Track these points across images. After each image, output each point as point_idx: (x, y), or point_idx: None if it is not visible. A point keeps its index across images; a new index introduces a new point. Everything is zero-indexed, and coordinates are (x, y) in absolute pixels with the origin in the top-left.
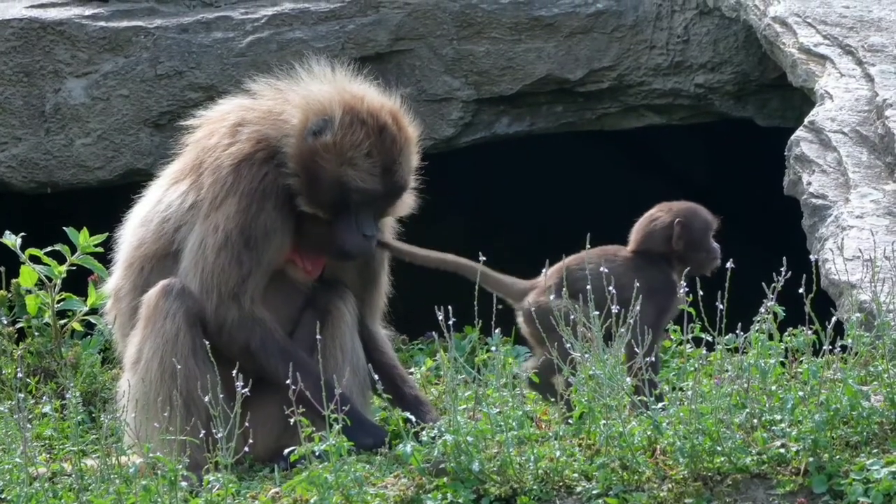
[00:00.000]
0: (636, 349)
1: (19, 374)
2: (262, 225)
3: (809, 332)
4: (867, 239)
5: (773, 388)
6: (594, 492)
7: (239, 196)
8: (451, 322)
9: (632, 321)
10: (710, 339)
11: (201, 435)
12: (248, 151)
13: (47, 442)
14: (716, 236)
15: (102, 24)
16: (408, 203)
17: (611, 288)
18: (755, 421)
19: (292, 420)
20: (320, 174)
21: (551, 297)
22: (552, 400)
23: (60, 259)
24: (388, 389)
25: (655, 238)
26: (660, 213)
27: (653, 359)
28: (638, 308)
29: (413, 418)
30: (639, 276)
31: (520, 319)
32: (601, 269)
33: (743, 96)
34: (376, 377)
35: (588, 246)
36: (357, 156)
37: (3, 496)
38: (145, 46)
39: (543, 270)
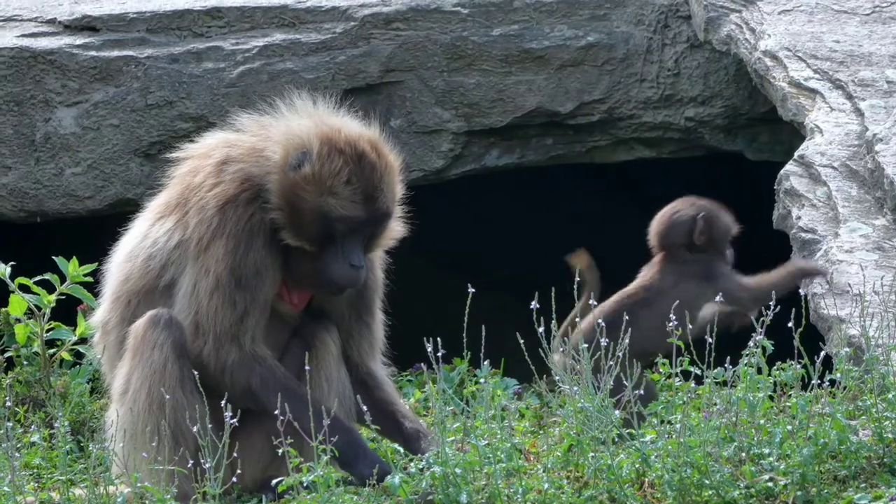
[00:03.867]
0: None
1: (8, 403)
2: (251, 264)
3: (798, 366)
4: (856, 273)
5: (762, 421)
6: None
7: (226, 237)
8: (439, 354)
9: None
10: (698, 372)
11: (189, 465)
12: (233, 193)
13: (35, 471)
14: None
15: (93, 53)
16: (395, 232)
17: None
18: (743, 454)
19: (280, 451)
20: (303, 206)
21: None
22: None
23: (50, 288)
24: (388, 426)
25: (677, 230)
26: (682, 206)
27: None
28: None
29: (402, 449)
30: (681, 285)
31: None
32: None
33: (733, 130)
34: (364, 408)
35: (577, 278)
36: (337, 184)
37: None
38: (136, 76)
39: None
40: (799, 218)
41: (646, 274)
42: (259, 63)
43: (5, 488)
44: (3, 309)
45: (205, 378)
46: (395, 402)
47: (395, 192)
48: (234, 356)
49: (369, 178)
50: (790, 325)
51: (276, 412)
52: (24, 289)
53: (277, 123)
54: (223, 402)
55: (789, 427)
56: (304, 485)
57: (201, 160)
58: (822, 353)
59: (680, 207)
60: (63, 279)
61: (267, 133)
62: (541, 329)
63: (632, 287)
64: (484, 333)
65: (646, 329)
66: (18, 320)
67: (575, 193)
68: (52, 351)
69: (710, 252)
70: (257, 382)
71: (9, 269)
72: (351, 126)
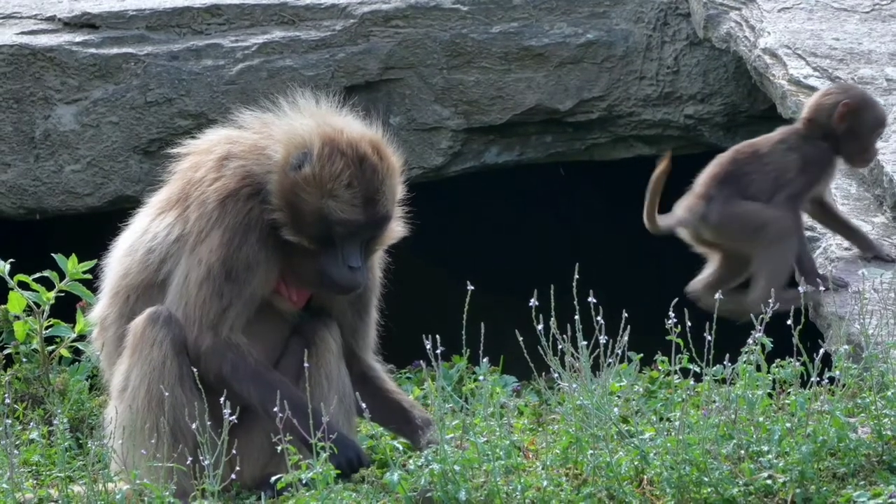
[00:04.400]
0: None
1: (7, 400)
2: (244, 258)
3: (797, 363)
4: (856, 271)
5: (761, 419)
6: None
7: (223, 230)
8: (438, 351)
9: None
10: (697, 369)
11: (188, 462)
12: (234, 187)
13: (34, 468)
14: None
15: (93, 50)
16: (395, 232)
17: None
18: (742, 452)
19: (279, 448)
20: (303, 207)
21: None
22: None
23: (49, 285)
24: (397, 416)
25: (821, 111)
26: (836, 90)
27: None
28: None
29: (401, 447)
30: (797, 153)
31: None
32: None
33: (732, 127)
34: (363, 405)
35: (576, 276)
36: (337, 187)
37: None
38: (135, 73)
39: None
40: None
41: (781, 131)
42: (258, 60)
43: (4, 485)
44: (3, 306)
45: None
46: (401, 392)
47: (395, 194)
48: (209, 343)
49: (370, 182)
50: (789, 322)
51: (244, 397)
52: (24, 286)
53: (279, 121)
54: (222, 400)
55: (788, 424)
56: (303, 482)
57: (202, 156)
58: (822, 351)
59: (834, 90)
60: (62, 276)
61: (269, 131)
62: (540, 327)
63: (759, 139)
64: (483, 331)
65: (753, 187)
66: (17, 317)
67: (574, 191)
68: (51, 348)
69: (849, 144)
70: (228, 369)
71: (8, 266)
72: (353, 126)
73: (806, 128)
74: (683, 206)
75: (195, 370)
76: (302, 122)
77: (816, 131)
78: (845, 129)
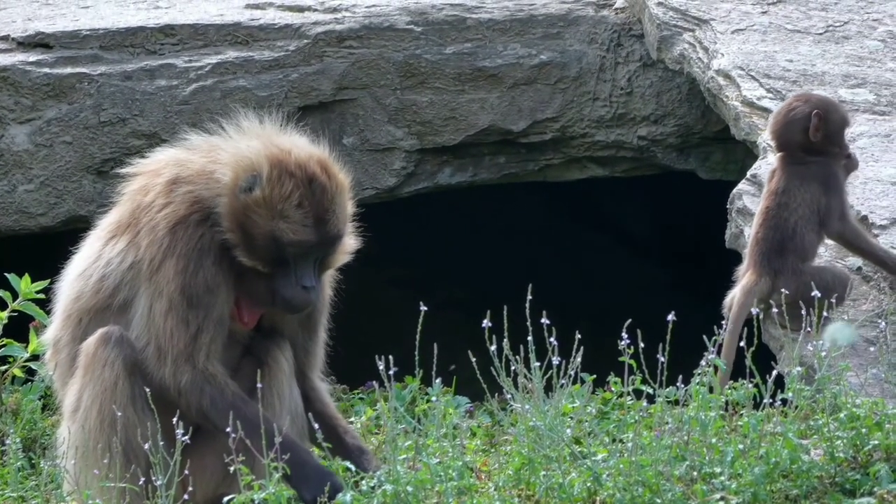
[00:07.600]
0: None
1: None
2: (202, 282)
3: (750, 385)
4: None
5: (714, 440)
6: None
7: (176, 258)
8: (391, 372)
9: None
10: (650, 391)
11: (141, 482)
12: (184, 214)
13: None
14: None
15: (46, 70)
16: (348, 250)
17: None
18: (695, 473)
19: (232, 468)
20: (254, 230)
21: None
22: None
23: (2, 305)
24: (329, 441)
25: (793, 128)
26: (797, 104)
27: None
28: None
29: (353, 467)
30: (805, 186)
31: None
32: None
33: (685, 149)
34: (316, 426)
35: (530, 297)
36: (288, 208)
37: None
38: (89, 93)
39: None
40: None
41: (770, 181)
42: (212, 80)
43: None
44: None
45: (169, 401)
46: (337, 417)
47: (346, 213)
48: (188, 377)
49: (320, 201)
50: (742, 343)
51: (227, 430)
52: None
53: (226, 144)
54: (175, 420)
55: (741, 446)
56: (256, 502)
57: (151, 178)
58: (775, 372)
59: (795, 104)
60: (15, 296)
61: (216, 155)
62: (493, 347)
63: (765, 200)
64: (436, 352)
65: (790, 228)
66: None
67: (527, 212)
68: (3, 368)
69: (828, 149)
70: (207, 403)
71: None
72: (301, 147)
73: (790, 157)
74: (752, 288)
75: (148, 390)
76: (249, 145)
77: (796, 151)
78: (822, 136)
